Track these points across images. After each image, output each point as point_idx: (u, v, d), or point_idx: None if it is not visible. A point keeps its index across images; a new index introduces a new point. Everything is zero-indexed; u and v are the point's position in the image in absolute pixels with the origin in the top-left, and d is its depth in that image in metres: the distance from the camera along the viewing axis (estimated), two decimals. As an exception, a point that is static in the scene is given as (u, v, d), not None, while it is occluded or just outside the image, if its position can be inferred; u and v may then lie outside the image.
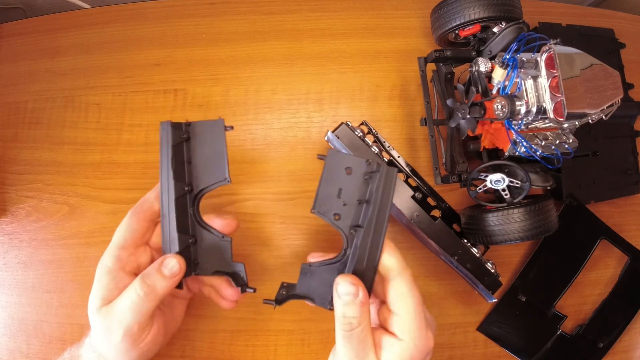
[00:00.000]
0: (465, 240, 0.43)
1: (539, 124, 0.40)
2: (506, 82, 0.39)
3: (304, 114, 0.51)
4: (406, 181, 0.43)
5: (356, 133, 0.42)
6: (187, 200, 0.36)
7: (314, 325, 0.46)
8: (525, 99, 0.38)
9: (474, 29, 0.45)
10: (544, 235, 0.42)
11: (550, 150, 0.40)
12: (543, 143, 0.40)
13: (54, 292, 0.47)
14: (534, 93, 0.38)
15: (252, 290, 0.36)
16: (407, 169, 0.45)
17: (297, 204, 0.48)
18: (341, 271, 0.34)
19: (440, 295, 0.48)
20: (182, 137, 0.35)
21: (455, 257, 0.42)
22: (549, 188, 0.44)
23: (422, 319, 0.32)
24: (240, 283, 0.36)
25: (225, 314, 0.46)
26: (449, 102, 0.44)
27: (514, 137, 0.40)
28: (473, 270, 0.42)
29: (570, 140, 0.41)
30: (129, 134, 0.50)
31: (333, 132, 0.42)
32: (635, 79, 0.52)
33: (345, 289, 0.32)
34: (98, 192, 0.49)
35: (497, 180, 0.42)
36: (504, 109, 0.38)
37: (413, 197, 0.42)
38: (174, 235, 0.34)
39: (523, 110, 0.38)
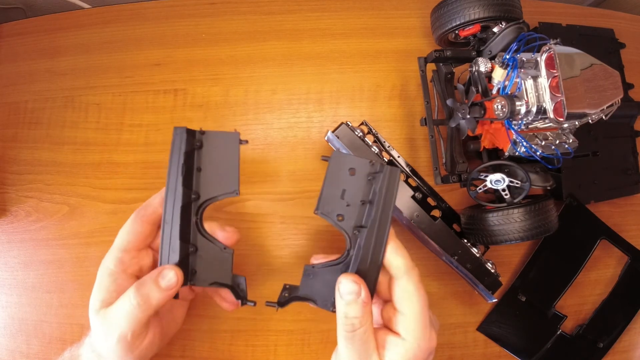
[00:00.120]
0: (465, 240, 0.43)
1: (539, 124, 0.40)
2: (506, 82, 0.39)
3: (304, 114, 0.51)
4: (406, 181, 0.43)
5: (356, 133, 0.42)
6: (192, 208, 0.35)
7: (314, 325, 0.46)
8: (525, 99, 0.38)
9: (474, 29, 0.45)
10: (544, 235, 0.42)
11: (550, 150, 0.40)
12: (543, 143, 0.40)
13: (54, 292, 0.47)
14: (534, 93, 0.38)
15: (252, 304, 0.35)
16: (407, 169, 0.45)
17: (297, 204, 0.48)
18: (344, 272, 0.34)
19: (440, 295, 0.48)
20: (195, 145, 0.35)
21: (455, 257, 0.42)
22: (549, 188, 0.44)
23: (427, 319, 0.32)
24: (241, 296, 0.35)
25: (226, 314, 0.46)
26: (449, 102, 0.44)
27: (514, 137, 0.40)
28: (473, 270, 0.42)
29: (570, 140, 0.41)
30: (129, 134, 0.50)
31: (333, 132, 0.42)
32: (635, 79, 0.52)
33: (347, 287, 0.32)
34: (98, 192, 0.49)
35: (497, 180, 0.42)
36: (504, 109, 0.38)
37: (413, 197, 0.42)
38: (175, 242, 0.34)
39: (523, 110, 0.38)
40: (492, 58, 0.42)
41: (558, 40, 0.38)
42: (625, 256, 0.49)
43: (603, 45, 0.53)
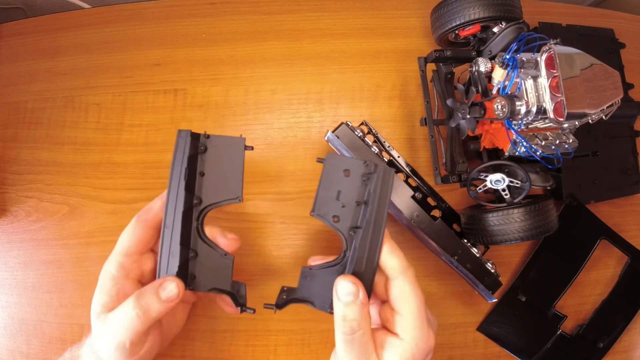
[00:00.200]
0: (465, 240, 0.44)
1: (539, 124, 0.40)
2: (506, 82, 0.39)
3: (304, 114, 0.51)
4: (406, 181, 0.43)
5: (356, 133, 0.42)
6: (193, 213, 0.35)
7: (314, 325, 0.46)
8: (525, 99, 0.38)
9: (474, 29, 0.45)
10: (544, 235, 0.42)
11: (550, 150, 0.40)
12: (543, 143, 0.40)
13: (54, 292, 0.47)
14: (534, 93, 0.38)
15: (251, 311, 0.35)
16: (407, 169, 0.45)
17: (297, 204, 0.48)
18: (341, 273, 0.34)
19: (440, 295, 0.48)
20: (199, 149, 0.35)
21: (455, 257, 0.42)
22: (549, 188, 0.44)
23: (424, 318, 0.32)
24: (240, 303, 0.35)
25: (226, 314, 0.45)
26: (449, 102, 0.44)
27: (514, 137, 0.40)
28: (473, 270, 0.42)
29: (570, 140, 0.41)
30: (129, 134, 0.50)
31: (333, 132, 0.42)
32: (635, 79, 0.52)
33: (345, 289, 0.32)
34: (98, 192, 0.49)
35: (497, 180, 0.42)
36: (504, 109, 0.38)
37: (413, 197, 0.42)
38: (176, 248, 0.33)
39: (523, 110, 0.38)
40: (492, 58, 0.42)
41: (558, 40, 0.38)
42: (625, 256, 0.49)
43: (603, 45, 0.53)
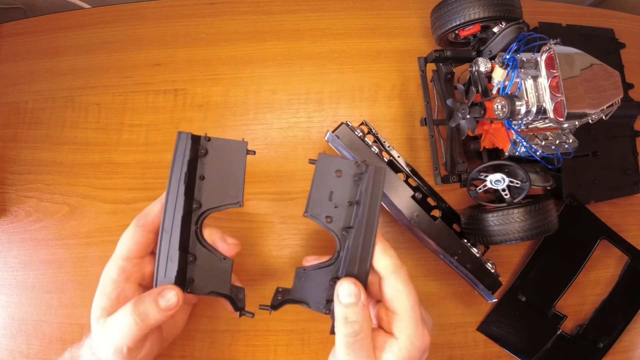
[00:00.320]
0: (465, 240, 0.43)
1: (539, 124, 0.40)
2: (506, 82, 0.39)
3: (304, 114, 0.51)
4: (406, 181, 0.43)
5: (356, 133, 0.42)
6: (192, 217, 0.34)
7: (314, 325, 0.46)
8: (525, 99, 0.38)
9: (474, 29, 0.45)
10: (544, 235, 0.42)
11: (550, 150, 0.40)
12: (543, 143, 0.40)
13: (54, 292, 0.47)
14: (534, 93, 0.38)
15: (250, 315, 0.35)
16: (407, 169, 0.45)
17: (297, 204, 0.48)
18: (335, 273, 0.34)
19: (440, 295, 0.48)
20: (199, 152, 0.34)
21: (455, 257, 0.42)
22: (549, 188, 0.44)
23: (419, 316, 0.32)
24: (239, 307, 0.35)
25: (226, 314, 0.46)
26: (449, 102, 0.44)
27: (514, 137, 0.40)
28: (473, 270, 0.42)
29: (570, 140, 0.41)
30: (129, 134, 0.50)
31: (333, 132, 0.42)
32: (635, 79, 0.52)
33: (347, 290, 0.32)
34: (98, 192, 0.49)
35: (497, 180, 0.42)
36: (504, 109, 0.38)
37: (413, 197, 0.42)
38: (174, 252, 0.33)
39: (523, 110, 0.38)
40: (492, 58, 0.42)
41: (558, 40, 0.38)
42: (625, 256, 0.49)
43: (603, 45, 0.53)
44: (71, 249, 0.48)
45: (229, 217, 0.48)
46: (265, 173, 0.49)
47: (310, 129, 0.50)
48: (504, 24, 0.44)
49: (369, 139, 0.43)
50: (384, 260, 0.33)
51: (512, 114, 0.38)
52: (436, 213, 0.45)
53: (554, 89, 0.37)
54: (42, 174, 0.50)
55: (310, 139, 0.50)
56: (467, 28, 0.45)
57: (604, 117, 0.39)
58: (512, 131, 0.39)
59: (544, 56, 0.37)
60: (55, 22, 0.54)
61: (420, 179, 0.46)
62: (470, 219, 0.43)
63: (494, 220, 0.40)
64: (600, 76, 0.38)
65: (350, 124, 0.42)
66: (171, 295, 0.32)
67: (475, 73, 0.42)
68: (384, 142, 0.45)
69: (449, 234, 0.42)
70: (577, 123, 0.39)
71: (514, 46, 0.39)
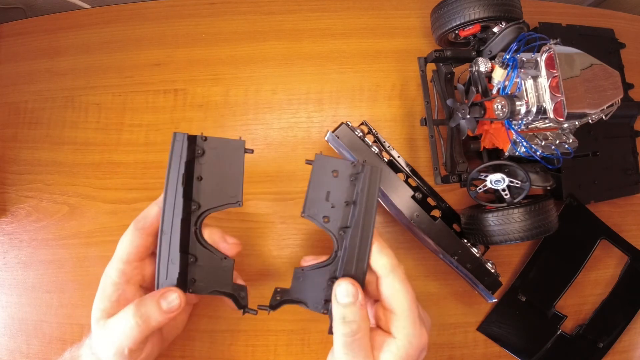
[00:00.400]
0: (465, 240, 0.43)
1: (539, 124, 0.40)
2: (506, 82, 0.39)
3: (304, 114, 0.51)
4: (406, 181, 0.43)
5: (356, 133, 0.42)
6: (191, 218, 0.34)
7: (314, 325, 0.46)
8: (525, 99, 0.38)
9: (474, 29, 0.45)
10: (544, 235, 0.42)
11: (550, 150, 0.40)
12: (543, 143, 0.40)
13: (54, 292, 0.47)
14: (534, 93, 0.38)
15: (254, 312, 0.35)
16: (407, 169, 0.45)
17: (297, 204, 0.48)
18: (333, 273, 0.35)
19: (440, 295, 0.48)
20: (196, 153, 0.34)
21: (455, 257, 0.42)
22: (549, 188, 0.44)
23: (416, 315, 0.32)
24: (242, 305, 0.35)
25: (226, 314, 0.46)
26: (449, 102, 0.44)
27: (514, 137, 0.40)
28: (473, 270, 0.42)
29: (570, 140, 0.41)
30: (129, 134, 0.50)
31: (333, 132, 0.42)
32: (635, 79, 0.52)
33: (344, 290, 0.32)
34: (98, 192, 0.49)
35: (497, 180, 0.42)
36: (504, 109, 0.38)
37: (413, 197, 0.42)
38: (175, 254, 0.33)
39: (523, 110, 0.38)
40: (492, 58, 0.42)
41: (558, 40, 0.38)
42: (625, 256, 0.49)
43: (603, 45, 0.53)
44: (71, 249, 0.48)
45: (229, 217, 0.48)
46: (265, 173, 0.49)
47: (310, 129, 0.50)
48: (504, 24, 0.44)
49: (369, 139, 0.43)
50: (381, 259, 0.33)
51: (512, 114, 0.38)
52: (436, 213, 0.45)
53: (554, 89, 0.37)
54: (42, 174, 0.50)
55: (310, 139, 0.50)
56: (467, 28, 0.45)
57: (604, 117, 0.39)
58: (512, 131, 0.39)
59: (544, 56, 0.37)
60: (55, 22, 0.54)
61: (420, 179, 0.46)
62: (470, 219, 0.43)
63: (494, 220, 0.40)
64: (600, 76, 0.38)
65: (350, 124, 0.42)
66: (173, 298, 0.32)
67: (475, 73, 0.42)
68: (384, 142, 0.45)
69: (449, 234, 0.42)
70: (577, 123, 0.39)
71: (514, 46, 0.39)
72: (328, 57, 0.52)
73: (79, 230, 0.48)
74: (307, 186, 0.35)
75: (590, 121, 0.39)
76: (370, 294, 0.35)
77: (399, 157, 0.45)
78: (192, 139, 0.34)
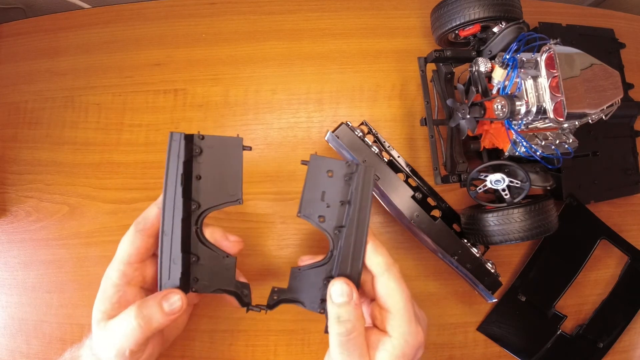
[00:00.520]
0: (465, 240, 0.43)
1: (539, 124, 0.40)
2: (506, 82, 0.39)
3: (304, 114, 0.51)
4: (406, 181, 0.43)
5: (356, 133, 0.42)
6: (192, 218, 0.34)
7: (314, 325, 0.46)
8: (525, 99, 0.38)
9: (474, 29, 0.45)
10: (544, 235, 0.42)
11: (550, 150, 0.40)
12: (543, 143, 0.40)
13: (54, 292, 0.47)
14: (534, 93, 0.38)
15: (258, 310, 0.35)
16: (407, 169, 0.45)
17: (297, 204, 0.48)
18: (329, 273, 0.35)
19: (440, 295, 0.48)
20: (194, 152, 0.34)
21: (455, 257, 0.42)
22: (549, 188, 0.44)
23: (412, 314, 0.32)
24: (245, 302, 0.35)
25: (226, 314, 0.46)
26: (449, 102, 0.44)
27: (514, 137, 0.40)
28: (473, 270, 0.42)
29: (570, 140, 0.41)
30: (129, 134, 0.50)
31: (333, 132, 0.42)
32: (635, 79, 0.52)
33: (339, 289, 0.32)
34: (98, 192, 0.49)
35: (497, 180, 0.42)
36: (504, 109, 0.38)
37: (413, 197, 0.42)
38: (177, 254, 0.33)
39: (523, 110, 0.38)
40: (492, 58, 0.42)
41: (558, 40, 0.38)
42: (625, 256, 0.49)
43: (603, 45, 0.53)
44: (71, 249, 0.48)
45: (229, 217, 0.48)
46: (265, 173, 0.49)
47: (310, 129, 0.50)
48: (504, 24, 0.44)
49: (369, 139, 0.43)
50: (375, 258, 0.33)
51: (512, 114, 0.38)
52: (436, 213, 0.45)
53: (554, 89, 0.37)
54: (42, 174, 0.50)
55: (310, 139, 0.50)
56: (467, 28, 0.45)
57: (604, 117, 0.39)
58: (512, 131, 0.39)
59: (544, 56, 0.37)
60: (55, 22, 0.54)
61: (420, 179, 0.46)
62: (470, 219, 0.43)
63: (494, 220, 0.40)
64: (600, 76, 0.38)
65: (350, 124, 0.42)
66: (175, 299, 0.32)
67: (475, 73, 0.42)
68: (384, 142, 0.45)
69: (449, 234, 0.42)
70: (577, 123, 0.39)
71: (514, 46, 0.39)
72: (328, 57, 0.52)
73: (79, 230, 0.48)
74: (303, 186, 0.35)
75: (590, 121, 0.39)
76: (366, 293, 0.35)
77: (399, 157, 0.45)
78: (189, 138, 0.33)
